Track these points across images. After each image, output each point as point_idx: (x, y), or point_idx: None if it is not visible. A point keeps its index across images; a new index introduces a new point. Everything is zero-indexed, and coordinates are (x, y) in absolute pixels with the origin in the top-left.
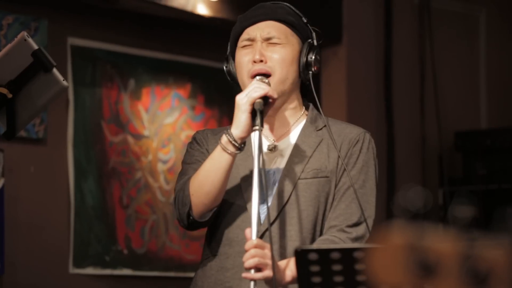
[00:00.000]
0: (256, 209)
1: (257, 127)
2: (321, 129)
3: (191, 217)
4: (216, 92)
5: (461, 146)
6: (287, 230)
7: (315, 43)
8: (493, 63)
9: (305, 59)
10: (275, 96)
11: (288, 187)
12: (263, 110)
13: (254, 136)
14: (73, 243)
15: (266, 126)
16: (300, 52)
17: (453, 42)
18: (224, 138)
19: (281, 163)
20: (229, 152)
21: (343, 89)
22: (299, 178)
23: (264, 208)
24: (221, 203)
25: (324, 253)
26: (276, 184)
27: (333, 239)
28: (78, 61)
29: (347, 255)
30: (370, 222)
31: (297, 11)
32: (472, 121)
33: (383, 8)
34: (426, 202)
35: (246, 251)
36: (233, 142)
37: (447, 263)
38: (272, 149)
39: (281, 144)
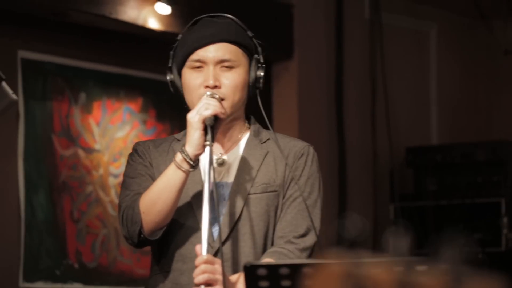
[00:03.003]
0: (206, 225)
1: (207, 143)
2: (265, 142)
3: (141, 236)
4: (168, 106)
5: (412, 162)
6: (240, 246)
7: (262, 59)
8: (443, 79)
9: (254, 75)
10: (224, 116)
11: (239, 202)
12: (213, 125)
13: (206, 151)
14: (24, 257)
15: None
16: (249, 68)
17: (404, 58)
18: (179, 156)
19: (229, 177)
20: (183, 170)
21: (294, 104)
22: (249, 193)
23: (216, 224)
24: (172, 222)
25: (273, 269)
26: (226, 199)
27: (281, 250)
28: (28, 74)
29: (296, 270)
30: (316, 233)
31: (242, 25)
32: (423, 136)
33: (334, 24)
34: (363, 230)
35: (196, 267)
36: (187, 160)
37: None
38: (221, 163)
39: (228, 157)
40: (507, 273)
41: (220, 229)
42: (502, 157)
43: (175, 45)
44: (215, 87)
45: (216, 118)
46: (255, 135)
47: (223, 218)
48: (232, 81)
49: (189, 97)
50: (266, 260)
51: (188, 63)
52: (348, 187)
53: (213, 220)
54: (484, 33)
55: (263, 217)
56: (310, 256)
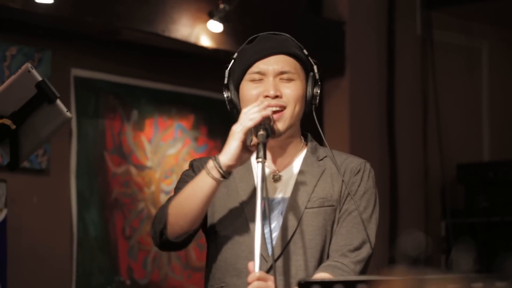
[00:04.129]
0: (258, 241)
1: (260, 159)
2: (322, 159)
3: (163, 236)
4: (219, 123)
5: (464, 178)
6: (294, 259)
7: (317, 76)
8: (495, 95)
9: (311, 93)
10: (274, 130)
11: (295, 216)
12: (266, 142)
13: (258, 168)
14: (76, 274)
15: (269, 157)
16: (306, 85)
17: (456, 74)
18: (210, 163)
19: (286, 192)
20: (212, 177)
21: (345, 121)
22: (306, 208)
23: (269, 238)
24: (225, 233)
25: (327, 285)
26: (283, 214)
27: (335, 264)
28: (81, 92)
29: (350, 287)
30: (371, 246)
31: (298, 43)
32: (475, 153)
33: (386, 40)
34: (427, 248)
35: (248, 283)
36: (218, 168)
37: None
38: (277, 178)
39: (284, 174)
40: None
41: (273, 245)
42: None
43: (231, 62)
44: (276, 97)
45: (268, 136)
46: (312, 152)
47: (279, 232)
48: (293, 91)
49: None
50: (321, 275)
51: (247, 76)
52: (400, 204)
53: (268, 236)
54: None
55: (320, 231)
56: (364, 269)
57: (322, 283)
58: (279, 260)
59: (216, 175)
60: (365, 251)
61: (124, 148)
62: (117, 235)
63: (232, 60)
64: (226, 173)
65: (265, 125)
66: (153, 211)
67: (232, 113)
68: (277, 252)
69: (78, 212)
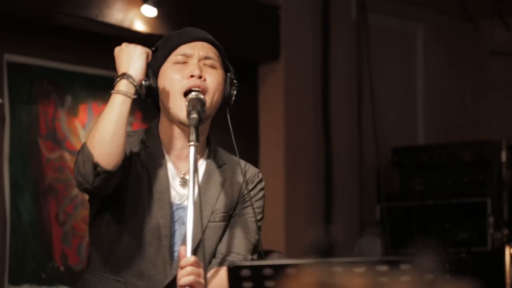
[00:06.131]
0: (191, 225)
1: (192, 143)
2: (221, 166)
3: (97, 168)
4: (153, 108)
5: (398, 162)
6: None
7: (234, 79)
8: (430, 79)
9: (228, 91)
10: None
11: (197, 230)
12: (198, 126)
13: (190, 151)
14: (9, 260)
15: (174, 154)
16: (225, 82)
17: (391, 59)
18: (124, 83)
19: (187, 200)
20: (131, 96)
21: (280, 106)
22: (209, 221)
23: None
24: (135, 230)
25: (257, 269)
26: (185, 223)
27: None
28: (14, 77)
29: (279, 271)
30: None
31: (220, 45)
32: (410, 137)
33: (321, 25)
34: (334, 240)
35: (181, 267)
36: (134, 84)
37: None
38: (184, 183)
39: (189, 178)
40: (492, 272)
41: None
42: (488, 157)
43: (154, 51)
44: (200, 77)
45: (200, 119)
46: (213, 156)
47: (183, 242)
48: (215, 78)
49: (171, 92)
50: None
51: (170, 58)
52: (335, 188)
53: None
54: (471, 34)
55: (217, 243)
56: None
57: (252, 267)
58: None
59: (131, 90)
60: (254, 254)
61: (58, 133)
62: (51, 221)
63: (154, 50)
64: (138, 88)
65: (198, 108)
66: (87, 197)
67: (148, 101)
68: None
69: (11, 198)
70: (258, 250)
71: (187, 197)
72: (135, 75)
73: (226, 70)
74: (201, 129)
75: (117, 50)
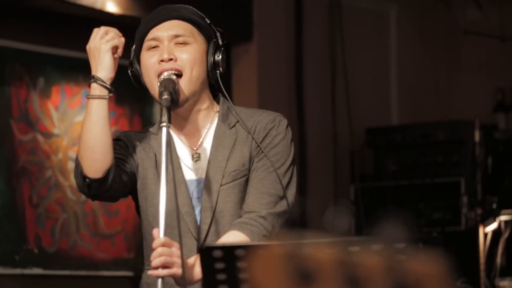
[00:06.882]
0: (163, 209)
1: (164, 124)
2: (233, 126)
3: (86, 180)
4: (127, 90)
5: (372, 142)
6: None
7: (220, 42)
8: (403, 60)
9: (212, 58)
10: (120, 46)
11: (212, 196)
12: (170, 106)
13: (162, 132)
14: None
15: (183, 133)
16: (207, 51)
17: (364, 39)
18: (95, 86)
19: (203, 172)
20: (99, 96)
21: (254, 87)
22: (221, 185)
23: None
24: (152, 211)
25: (228, 250)
26: (200, 196)
27: (243, 220)
28: None
29: (251, 251)
30: (287, 200)
31: (200, 13)
32: (383, 117)
33: (294, 5)
34: (303, 210)
35: (153, 249)
36: (105, 85)
37: (326, 271)
38: (197, 159)
39: (201, 152)
40: (466, 251)
41: (199, 227)
42: (462, 137)
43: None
44: (170, 60)
45: (172, 99)
46: (223, 119)
47: (202, 213)
48: (188, 55)
49: (147, 78)
50: (230, 234)
51: (144, 45)
52: (308, 168)
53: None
54: (444, 14)
55: (239, 204)
56: (277, 224)
57: (223, 248)
58: (207, 240)
59: (106, 92)
60: (279, 206)
61: (31, 115)
62: (24, 203)
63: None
64: (110, 87)
65: (169, 89)
66: (61, 179)
67: (141, 89)
68: (203, 235)
69: None
70: (284, 197)
71: (200, 171)
72: (104, 76)
73: (209, 38)
74: (195, 100)
75: (87, 48)
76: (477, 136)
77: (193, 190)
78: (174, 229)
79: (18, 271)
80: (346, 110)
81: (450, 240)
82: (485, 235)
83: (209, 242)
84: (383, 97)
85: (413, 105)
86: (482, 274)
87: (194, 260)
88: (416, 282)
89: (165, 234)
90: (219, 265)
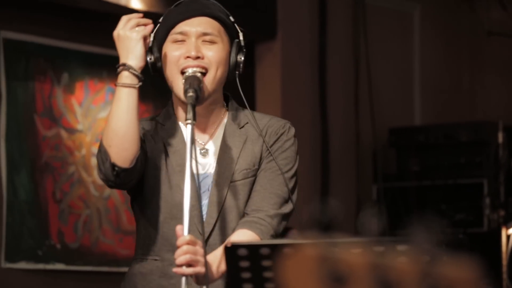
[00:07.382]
0: (187, 206)
1: (189, 121)
2: (243, 126)
3: (116, 168)
4: (150, 86)
5: (395, 143)
6: (228, 234)
7: (242, 43)
8: (427, 60)
9: (235, 59)
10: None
11: (222, 191)
12: (195, 104)
13: (187, 130)
14: (5, 238)
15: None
16: (230, 51)
17: (388, 38)
18: (126, 74)
19: (211, 167)
20: (135, 86)
21: (277, 85)
22: (231, 182)
23: (204, 210)
24: (161, 206)
25: (254, 249)
26: (210, 190)
27: (252, 219)
28: (10, 54)
29: (276, 250)
30: (292, 202)
31: (226, 10)
32: (406, 117)
33: (318, 4)
34: (336, 214)
35: (178, 247)
36: (136, 74)
37: (358, 274)
38: (204, 153)
39: (210, 147)
40: (488, 253)
41: (201, 214)
42: (485, 137)
43: (156, 26)
44: (197, 58)
45: (197, 97)
46: (233, 119)
47: (209, 208)
48: (215, 54)
49: (169, 71)
50: (241, 233)
51: (170, 37)
52: (331, 168)
53: (206, 206)
54: (468, 14)
55: (246, 202)
56: (282, 224)
57: (249, 246)
58: (213, 235)
59: (136, 81)
60: (285, 208)
61: (55, 111)
62: (47, 199)
63: (158, 24)
64: (141, 75)
65: (194, 86)
66: (84, 175)
67: (157, 77)
68: (209, 229)
69: (8, 176)
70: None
71: (207, 166)
72: (135, 64)
73: (232, 37)
74: (213, 99)
75: (115, 35)
76: (500, 137)
77: (198, 184)
78: (178, 221)
79: (40, 266)
80: (369, 110)
81: (472, 241)
82: (508, 237)
83: (214, 237)
84: (406, 97)
85: (436, 105)
86: (505, 276)
87: (214, 259)
88: (449, 287)
89: (170, 226)
90: (244, 264)
